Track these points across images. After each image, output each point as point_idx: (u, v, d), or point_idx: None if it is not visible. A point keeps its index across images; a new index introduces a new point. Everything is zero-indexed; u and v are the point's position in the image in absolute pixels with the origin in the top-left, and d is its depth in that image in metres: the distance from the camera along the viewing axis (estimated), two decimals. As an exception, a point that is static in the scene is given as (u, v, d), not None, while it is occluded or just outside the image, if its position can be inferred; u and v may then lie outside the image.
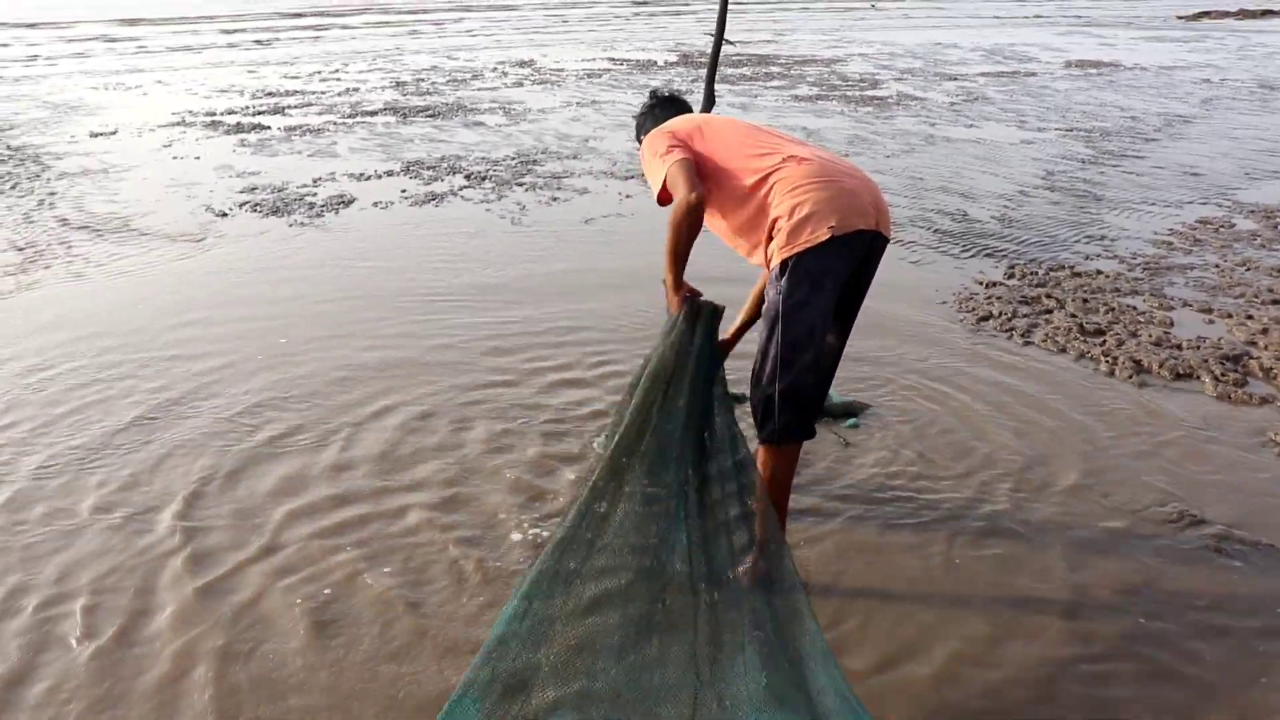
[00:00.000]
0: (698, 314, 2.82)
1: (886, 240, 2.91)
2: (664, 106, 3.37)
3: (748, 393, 3.02)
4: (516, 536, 3.30)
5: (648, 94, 3.47)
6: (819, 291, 2.79)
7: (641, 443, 2.66)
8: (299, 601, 2.96)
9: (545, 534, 3.27)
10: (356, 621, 2.88)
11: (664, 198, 2.95)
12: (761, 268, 3.08)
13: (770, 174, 2.86)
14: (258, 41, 23.01)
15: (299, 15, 31.40)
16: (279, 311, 5.42)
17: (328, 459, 3.81)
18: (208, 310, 5.43)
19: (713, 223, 3.07)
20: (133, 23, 28.71)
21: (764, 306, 2.92)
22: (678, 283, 2.88)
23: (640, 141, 3.34)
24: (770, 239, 2.86)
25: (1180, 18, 31.31)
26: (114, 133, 11.32)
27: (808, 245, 2.74)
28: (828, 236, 2.73)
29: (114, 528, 3.35)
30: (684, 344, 2.78)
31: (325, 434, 4.01)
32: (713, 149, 2.98)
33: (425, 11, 33.10)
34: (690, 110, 3.40)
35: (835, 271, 2.80)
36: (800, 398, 2.85)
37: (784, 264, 2.79)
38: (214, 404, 4.28)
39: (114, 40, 23.88)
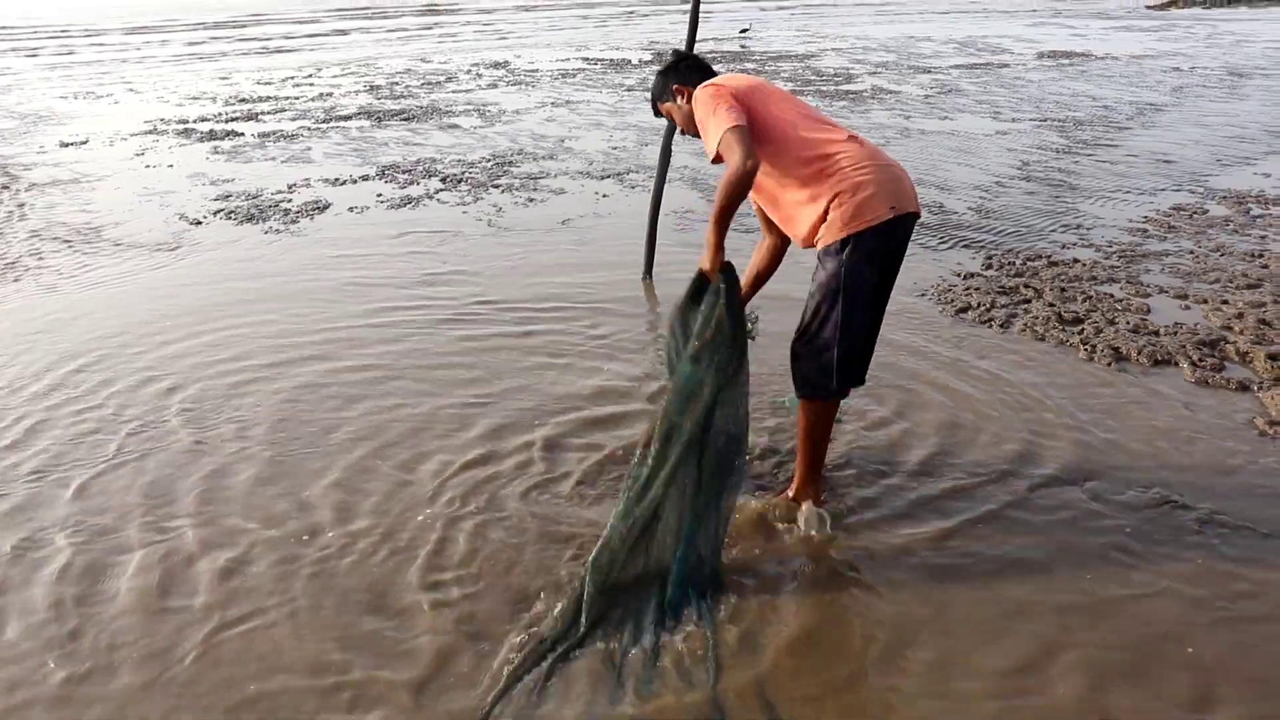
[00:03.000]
0: (732, 277, 2.93)
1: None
2: (691, 68, 3.30)
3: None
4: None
5: (670, 53, 3.40)
6: (875, 267, 3.01)
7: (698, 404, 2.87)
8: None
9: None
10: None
11: (719, 157, 2.95)
12: (787, 231, 3.27)
13: (835, 150, 2.99)
14: (232, 48, 22.87)
15: (273, 22, 31.27)
16: (255, 321, 5.37)
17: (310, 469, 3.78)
18: (186, 319, 5.38)
19: (761, 183, 3.14)
20: (101, 31, 28.45)
21: (821, 276, 3.06)
22: (719, 244, 2.92)
23: (657, 104, 3.37)
24: (825, 214, 2.99)
25: (1149, 7, 31.56)
26: (85, 142, 11.21)
27: (870, 224, 2.94)
28: (890, 216, 2.94)
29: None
30: (726, 305, 2.88)
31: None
32: (773, 111, 3.04)
33: (399, 15, 33.00)
34: (714, 75, 3.31)
35: (889, 249, 3.02)
36: (852, 361, 3.11)
37: (845, 240, 2.96)
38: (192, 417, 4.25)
39: (82, 49, 23.65)
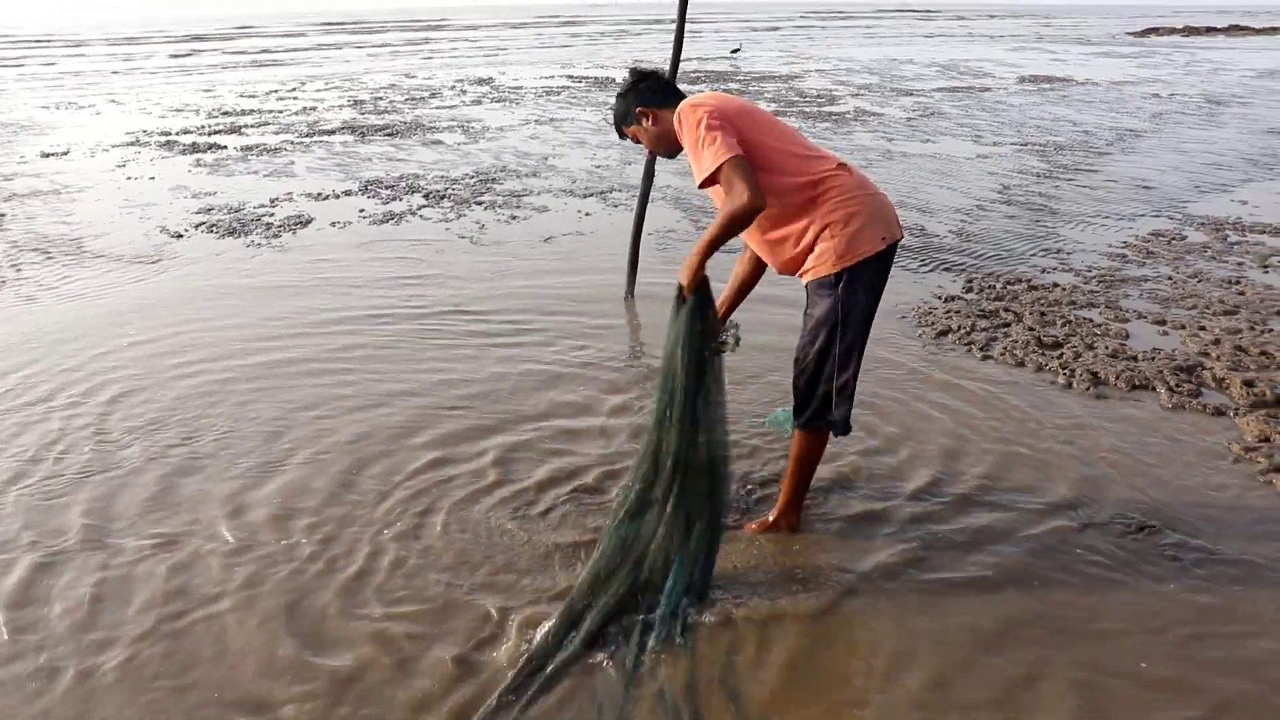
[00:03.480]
0: (705, 296, 2.92)
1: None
2: (651, 88, 3.17)
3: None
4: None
5: (629, 72, 3.26)
6: (872, 297, 3.02)
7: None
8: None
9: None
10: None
11: (708, 182, 2.88)
12: (766, 257, 3.19)
13: (825, 179, 2.95)
14: (217, 60, 22.81)
15: (258, 35, 31.24)
16: (234, 336, 5.34)
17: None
18: (162, 334, 5.34)
19: None
20: (84, 42, 28.35)
21: (818, 312, 3.03)
22: (703, 265, 2.86)
23: (622, 127, 3.26)
24: (814, 244, 2.98)
25: (1130, 34, 31.95)
26: (66, 153, 11.15)
27: (863, 257, 2.93)
28: (883, 248, 2.95)
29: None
30: (695, 319, 2.89)
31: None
32: (764, 137, 2.94)
33: (384, 30, 33.03)
34: (681, 96, 3.16)
35: (881, 277, 3.02)
36: (850, 392, 3.11)
37: (840, 274, 2.95)
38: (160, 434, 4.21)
39: (64, 59, 23.55)
